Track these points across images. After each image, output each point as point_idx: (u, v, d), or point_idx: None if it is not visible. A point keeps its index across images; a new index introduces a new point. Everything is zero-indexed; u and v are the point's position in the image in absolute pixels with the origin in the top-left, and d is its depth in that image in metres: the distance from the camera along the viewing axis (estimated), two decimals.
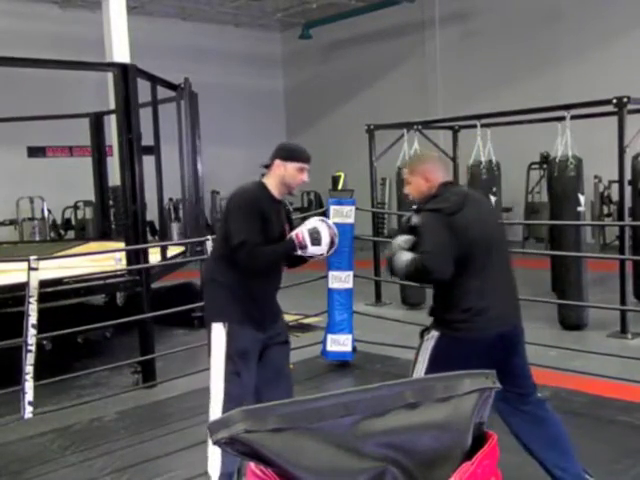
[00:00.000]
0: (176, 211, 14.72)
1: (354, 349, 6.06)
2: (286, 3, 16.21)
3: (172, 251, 7.47)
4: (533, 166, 13.29)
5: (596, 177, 12.25)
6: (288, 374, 3.54)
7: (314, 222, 3.34)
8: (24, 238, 13.41)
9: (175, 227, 14.20)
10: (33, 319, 4.35)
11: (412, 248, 3.16)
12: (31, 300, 4.34)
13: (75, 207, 14.73)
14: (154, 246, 7.29)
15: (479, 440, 1.64)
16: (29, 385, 4.35)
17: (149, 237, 10.06)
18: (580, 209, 7.03)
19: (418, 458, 1.56)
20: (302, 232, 3.27)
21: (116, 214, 9.07)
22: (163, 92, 7.41)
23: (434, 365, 3.05)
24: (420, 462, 1.56)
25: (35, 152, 15.26)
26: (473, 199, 3.23)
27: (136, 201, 5.88)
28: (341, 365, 6.06)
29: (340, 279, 5.99)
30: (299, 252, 3.25)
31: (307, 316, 7.02)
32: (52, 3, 15.01)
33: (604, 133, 7.67)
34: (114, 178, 8.60)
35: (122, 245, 6.31)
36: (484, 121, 7.95)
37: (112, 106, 7.13)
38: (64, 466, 4.25)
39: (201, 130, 8.08)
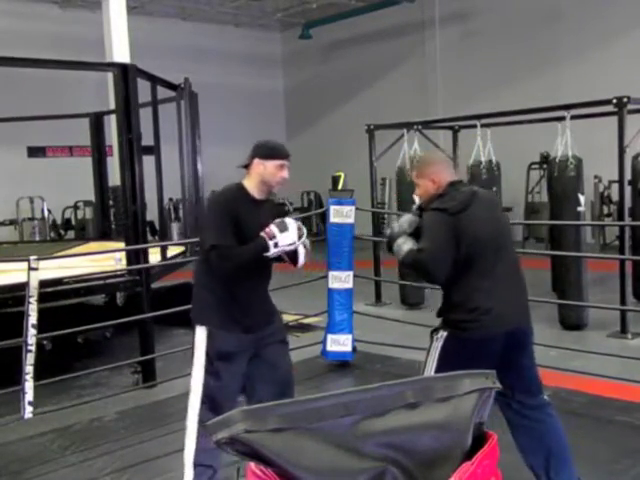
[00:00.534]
0: (176, 211, 14.72)
1: (354, 349, 6.06)
2: (286, 3, 16.21)
3: (172, 251, 7.47)
4: (533, 166, 13.29)
5: (596, 177, 12.25)
6: (286, 370, 3.50)
7: (285, 219, 3.33)
8: (24, 238, 13.41)
9: (175, 227, 14.20)
10: (33, 319, 4.34)
11: (415, 232, 3.20)
12: (31, 300, 4.34)
13: (75, 207, 14.74)
14: (154, 246, 7.28)
15: (479, 440, 1.64)
16: (29, 385, 4.35)
17: (149, 237, 10.06)
18: (580, 209, 7.03)
19: (418, 458, 1.56)
20: (269, 226, 3.24)
21: (116, 214, 9.06)
22: (163, 92, 7.41)
23: (443, 365, 3.04)
24: (420, 462, 1.56)
25: (35, 152, 15.27)
26: (481, 197, 3.21)
27: (136, 201, 5.87)
28: (341, 365, 6.06)
29: (340, 279, 5.98)
30: (271, 245, 3.17)
31: (307, 316, 7.02)
32: (52, 3, 15.01)
33: (604, 133, 7.66)
34: (114, 178, 8.60)
35: (122, 245, 6.31)
36: (484, 121, 7.95)
37: (112, 106, 7.13)
38: (64, 466, 4.25)
39: (201, 130, 8.08)
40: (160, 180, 7.15)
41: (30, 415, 4.41)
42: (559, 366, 5.25)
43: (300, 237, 3.25)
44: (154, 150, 7.00)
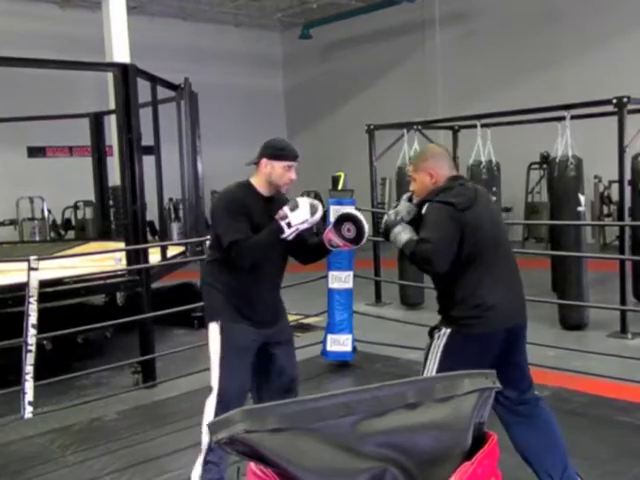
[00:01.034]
0: (176, 211, 14.72)
1: (354, 349, 6.06)
2: (286, 3, 16.21)
3: (172, 251, 7.47)
4: (533, 166, 13.29)
5: (596, 177, 12.26)
6: (291, 373, 3.50)
7: (297, 198, 3.30)
8: (24, 238, 13.41)
9: (175, 227, 14.20)
10: (33, 319, 4.34)
11: (413, 221, 3.20)
12: (31, 300, 4.34)
13: (75, 207, 14.73)
14: (154, 246, 7.29)
15: (479, 440, 1.64)
16: (29, 385, 4.35)
17: (149, 237, 10.06)
18: (580, 209, 7.03)
19: (418, 458, 1.56)
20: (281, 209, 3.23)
21: (116, 214, 9.06)
22: (163, 92, 7.41)
23: (446, 362, 3.03)
24: (420, 462, 1.56)
25: (35, 152, 15.26)
26: (482, 195, 3.22)
27: (136, 201, 5.87)
28: (341, 365, 6.06)
29: (340, 279, 5.98)
30: (284, 226, 3.15)
31: (307, 316, 7.02)
32: (52, 3, 15.01)
33: (604, 133, 7.67)
34: (114, 178, 8.60)
35: (122, 245, 6.31)
36: (484, 121, 7.95)
37: (112, 106, 7.13)
38: (64, 466, 4.25)
39: (201, 130, 8.08)
40: (160, 180, 7.16)
41: (30, 415, 4.41)
42: (559, 366, 5.25)
43: (313, 214, 3.20)
44: (154, 150, 7.00)
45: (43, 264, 4.61)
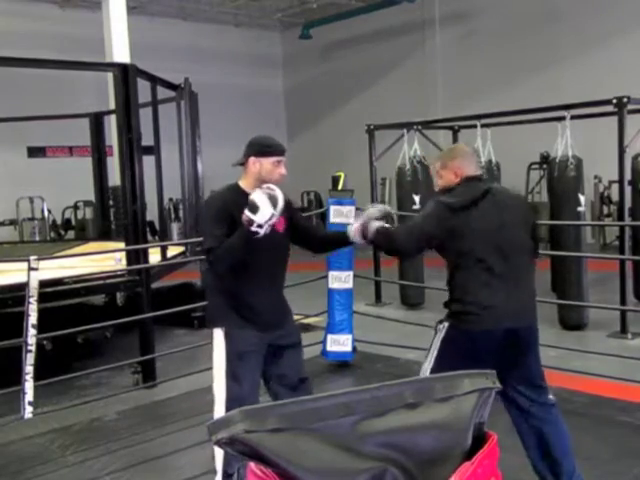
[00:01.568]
0: (176, 211, 14.72)
1: (354, 349, 6.06)
2: (286, 3, 16.22)
3: (172, 251, 7.47)
4: (533, 166, 13.29)
5: (596, 177, 12.26)
6: (299, 377, 3.43)
7: (251, 195, 3.06)
8: (24, 238, 13.41)
9: (175, 227, 14.20)
10: (33, 319, 4.34)
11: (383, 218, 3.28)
12: (31, 300, 4.34)
13: (75, 207, 14.74)
14: (154, 246, 7.29)
15: (479, 440, 1.64)
16: (29, 385, 4.34)
17: (149, 237, 10.06)
18: (580, 209, 7.03)
19: (418, 458, 1.56)
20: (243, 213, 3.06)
21: (116, 214, 9.07)
22: (163, 92, 7.41)
23: (442, 355, 3.08)
24: (420, 462, 1.56)
25: (35, 152, 15.27)
26: (497, 196, 3.22)
27: (136, 201, 5.87)
28: (341, 365, 6.06)
29: (340, 279, 5.98)
30: (254, 230, 2.99)
31: (307, 316, 7.01)
32: (52, 3, 15.02)
33: (604, 133, 7.66)
34: (114, 178, 8.60)
35: (122, 245, 6.31)
36: (484, 121, 7.95)
37: (112, 106, 7.13)
38: (64, 466, 4.25)
39: (201, 130, 8.08)
40: (160, 180, 7.16)
41: (30, 415, 4.41)
42: (559, 366, 5.24)
43: (275, 205, 3.01)
44: (154, 150, 7.00)
45: (43, 264, 4.61)
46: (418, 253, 3.40)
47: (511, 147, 10.54)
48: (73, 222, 14.97)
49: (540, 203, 12.74)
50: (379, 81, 16.76)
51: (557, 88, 12.64)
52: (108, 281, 5.93)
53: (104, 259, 6.59)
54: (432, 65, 15.78)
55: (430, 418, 1.58)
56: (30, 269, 4.36)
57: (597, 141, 9.28)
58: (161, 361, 5.96)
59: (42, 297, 4.47)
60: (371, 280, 8.42)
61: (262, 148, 3.22)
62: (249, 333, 3.24)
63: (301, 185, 16.08)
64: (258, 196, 3.01)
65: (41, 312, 4.40)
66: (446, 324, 3.16)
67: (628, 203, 7.14)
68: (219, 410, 3.26)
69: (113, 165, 8.62)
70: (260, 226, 2.99)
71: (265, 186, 3.07)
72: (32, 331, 4.34)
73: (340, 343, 5.98)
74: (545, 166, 11.69)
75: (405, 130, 8.68)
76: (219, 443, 1.46)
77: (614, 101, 6.61)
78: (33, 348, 4.35)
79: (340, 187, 6.28)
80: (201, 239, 3.38)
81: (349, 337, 6.01)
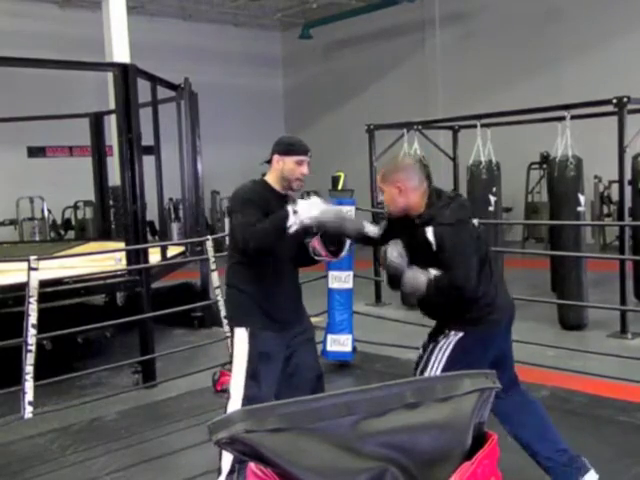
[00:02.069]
0: (176, 211, 14.71)
1: (354, 349, 6.06)
2: (286, 3, 16.21)
3: (172, 251, 7.47)
4: (533, 166, 13.29)
5: (596, 177, 12.25)
6: (317, 372, 3.48)
7: (314, 196, 3.29)
8: (24, 238, 13.41)
9: (175, 227, 14.19)
10: (33, 319, 4.34)
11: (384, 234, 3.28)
12: (31, 300, 4.34)
13: (75, 207, 14.73)
14: (154, 246, 7.29)
15: (479, 440, 1.65)
16: (29, 385, 4.34)
17: (149, 237, 10.06)
18: (580, 209, 7.03)
19: (418, 458, 1.56)
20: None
21: (116, 214, 9.07)
22: (163, 92, 7.41)
23: (454, 364, 3.03)
24: (420, 462, 1.56)
25: (35, 152, 15.26)
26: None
27: (136, 201, 5.88)
28: (341, 365, 6.06)
29: (340, 279, 5.98)
30: (290, 213, 3.08)
31: (308, 316, 7.01)
32: (52, 3, 15.01)
33: (604, 133, 7.67)
34: (114, 178, 8.60)
35: (122, 245, 6.31)
36: (484, 121, 7.95)
37: (112, 106, 7.13)
38: (64, 466, 4.25)
39: (201, 130, 8.08)
40: (160, 180, 7.16)
41: (30, 415, 4.40)
42: (559, 366, 5.25)
43: (324, 213, 3.13)
44: (154, 150, 7.00)
45: (43, 264, 4.61)
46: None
47: (511, 147, 10.54)
48: (73, 222, 14.96)
49: (540, 203, 12.76)
50: (379, 81, 16.75)
51: (557, 88, 12.64)
52: (108, 281, 5.93)
53: (104, 259, 6.59)
54: (432, 65, 15.78)
55: (430, 418, 1.58)
56: (30, 269, 4.36)
57: (597, 141, 9.28)
58: (161, 361, 5.96)
59: (42, 297, 4.47)
60: (371, 280, 8.42)
61: (286, 147, 3.35)
62: (271, 334, 3.30)
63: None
64: (317, 199, 3.20)
65: (41, 312, 4.40)
66: (459, 334, 3.11)
67: (628, 203, 7.14)
68: (233, 408, 3.27)
69: (113, 165, 8.62)
70: (295, 212, 3.09)
71: (339, 208, 3.30)
72: (32, 331, 4.34)
73: (340, 343, 5.98)
74: (545, 166, 11.69)
75: (405, 130, 8.67)
76: (219, 443, 1.46)
77: (614, 101, 6.61)
78: (33, 348, 4.35)
79: (340, 187, 6.28)
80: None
81: (349, 337, 6.01)
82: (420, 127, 8.92)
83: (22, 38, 13.28)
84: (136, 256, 5.90)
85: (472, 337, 3.12)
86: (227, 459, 3.26)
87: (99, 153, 9.21)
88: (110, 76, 7.24)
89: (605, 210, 12.65)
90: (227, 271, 3.47)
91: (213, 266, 5.49)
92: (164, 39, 15.78)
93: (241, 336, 3.31)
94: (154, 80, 6.98)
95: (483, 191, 7.56)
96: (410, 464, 1.54)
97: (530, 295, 7.16)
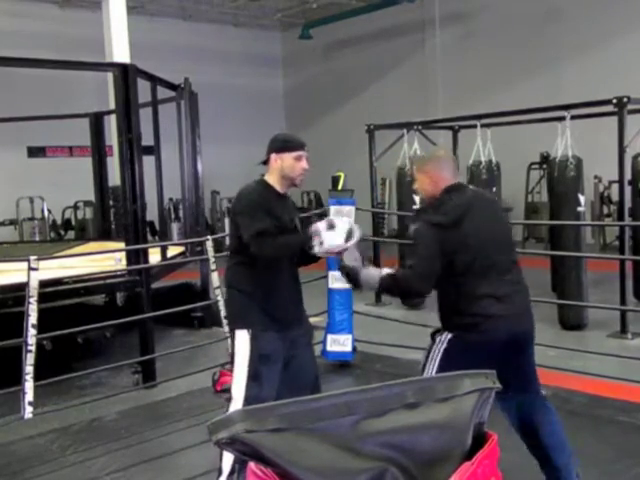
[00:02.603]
0: (176, 211, 14.71)
1: (354, 349, 6.06)
2: (286, 3, 16.21)
3: (172, 251, 7.47)
4: (533, 166, 13.29)
5: (596, 177, 12.25)
6: (315, 374, 3.48)
7: (331, 216, 3.28)
8: (24, 238, 13.41)
9: (175, 227, 14.19)
10: (33, 319, 4.34)
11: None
12: (31, 300, 4.34)
13: (75, 207, 14.73)
14: (154, 246, 7.29)
15: (479, 440, 1.65)
16: (29, 385, 4.34)
17: (149, 237, 10.06)
18: (580, 209, 7.03)
19: (418, 458, 1.56)
20: (319, 222, 3.17)
21: (116, 214, 9.07)
22: (163, 92, 7.41)
23: (444, 366, 3.03)
24: (420, 462, 1.56)
25: (35, 152, 15.26)
26: (482, 202, 3.23)
27: (136, 201, 5.87)
28: (341, 365, 6.06)
29: (340, 279, 5.97)
30: (316, 244, 3.07)
31: (308, 316, 7.01)
32: (52, 3, 15.02)
33: (604, 133, 7.66)
34: (114, 178, 8.60)
35: (122, 245, 6.31)
36: (484, 121, 7.95)
37: (112, 106, 7.13)
38: (64, 466, 4.24)
39: (201, 130, 8.08)
40: (160, 180, 7.16)
41: (30, 415, 4.40)
42: (559, 366, 5.25)
43: (348, 240, 3.09)
44: (154, 150, 7.00)
45: (43, 264, 4.61)
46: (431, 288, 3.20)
47: (511, 147, 10.54)
48: (73, 222, 14.96)
49: (540, 203, 12.76)
50: (379, 81, 16.75)
51: (557, 88, 12.65)
52: (108, 281, 5.93)
53: (104, 259, 6.59)
54: (432, 65, 15.78)
55: (430, 418, 1.58)
56: (30, 269, 4.36)
57: (597, 141, 9.28)
58: (161, 361, 5.96)
59: (42, 297, 4.47)
60: None
61: (282, 144, 3.30)
62: (273, 335, 3.28)
63: (301, 185, 16.08)
64: (342, 222, 3.13)
65: (41, 312, 4.40)
66: (448, 336, 3.11)
67: (628, 203, 7.14)
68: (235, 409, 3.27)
69: (113, 165, 8.63)
70: (322, 244, 3.07)
71: (349, 220, 3.21)
72: (32, 331, 4.34)
73: (340, 343, 5.98)
74: (545, 166, 11.69)
75: (405, 130, 8.68)
76: (219, 443, 1.46)
77: (614, 101, 6.61)
78: (33, 348, 4.35)
79: (340, 187, 6.29)
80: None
81: (349, 337, 6.01)
82: (420, 127, 8.92)
83: (22, 38, 13.28)
84: (136, 256, 5.90)
85: (458, 343, 3.09)
86: (227, 459, 3.26)
87: (99, 153, 9.21)
88: (110, 76, 7.24)
89: (605, 210, 12.65)
90: (227, 272, 3.45)
91: (213, 266, 5.49)
92: (164, 39, 15.78)
93: (242, 338, 3.30)
94: (154, 80, 6.98)
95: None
96: (410, 464, 1.54)
97: (530, 295, 7.15)
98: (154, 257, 6.54)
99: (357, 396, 1.54)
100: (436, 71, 15.66)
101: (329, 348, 5.99)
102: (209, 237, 5.58)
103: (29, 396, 4.35)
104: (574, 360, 5.57)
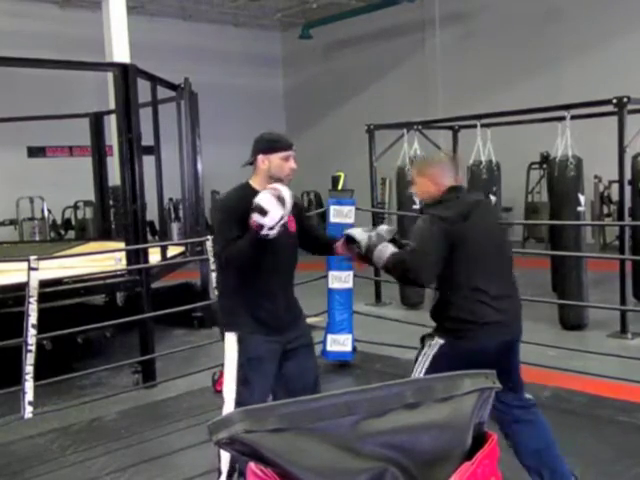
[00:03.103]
0: (176, 211, 14.72)
1: (354, 349, 6.06)
2: (286, 3, 16.21)
3: (172, 251, 7.47)
4: (533, 166, 13.29)
5: (596, 177, 12.26)
6: (314, 378, 3.41)
7: (257, 198, 2.96)
8: (24, 238, 13.41)
9: (175, 227, 14.20)
10: (33, 319, 4.34)
11: (394, 240, 3.20)
12: (31, 300, 4.34)
13: (75, 207, 14.73)
14: (154, 246, 7.29)
15: (479, 440, 1.64)
16: (29, 385, 4.34)
17: (149, 237, 10.06)
18: (580, 209, 7.03)
19: (418, 458, 1.56)
20: (251, 217, 2.97)
21: (116, 214, 9.07)
22: (163, 92, 7.41)
23: (431, 372, 3.02)
24: (420, 462, 1.56)
25: (35, 152, 15.27)
26: (482, 208, 3.22)
27: (136, 201, 5.88)
28: (341, 365, 6.06)
29: (340, 279, 5.98)
30: (265, 234, 2.93)
31: (307, 316, 7.00)
32: (52, 3, 15.02)
33: (604, 133, 7.66)
34: (114, 178, 8.60)
35: (122, 245, 6.31)
36: (484, 121, 7.95)
37: (112, 106, 7.14)
38: (64, 466, 4.25)
39: (201, 130, 8.08)
40: (160, 180, 7.16)
41: (30, 415, 4.41)
42: (559, 366, 5.25)
43: (284, 204, 2.93)
44: (154, 150, 7.00)
45: (43, 264, 4.60)
46: (435, 279, 3.15)
47: (511, 147, 10.54)
48: (73, 222, 14.96)
49: (540, 203, 12.76)
50: (379, 81, 16.75)
51: (557, 88, 12.65)
52: (108, 281, 5.93)
53: (104, 259, 6.59)
54: (432, 65, 15.78)
55: (430, 418, 1.58)
56: (30, 269, 4.36)
57: (597, 141, 9.28)
58: (161, 361, 5.96)
59: (42, 297, 4.46)
60: (371, 280, 8.41)
61: (269, 144, 3.18)
62: (262, 338, 3.20)
63: (301, 185, 16.08)
64: (265, 198, 2.93)
65: (41, 312, 4.40)
66: (440, 341, 3.11)
67: (628, 203, 7.14)
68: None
69: (113, 165, 8.62)
70: (271, 228, 2.93)
71: (270, 187, 3.00)
72: (32, 331, 4.34)
73: (340, 343, 5.98)
74: (545, 166, 11.69)
75: (405, 130, 8.68)
76: (219, 443, 1.46)
77: (614, 101, 6.61)
78: (33, 348, 4.35)
79: (340, 187, 6.29)
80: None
81: (349, 337, 6.01)
82: (420, 127, 8.92)
83: (22, 38, 13.28)
84: (136, 256, 5.90)
85: (450, 348, 3.08)
86: (225, 460, 3.25)
87: (99, 153, 9.22)
88: (110, 76, 7.24)
89: (605, 210, 12.65)
90: (217, 276, 3.42)
91: (213, 266, 5.49)
92: (164, 39, 15.79)
93: (230, 341, 3.24)
94: (154, 80, 6.98)
95: (483, 191, 7.55)
96: (410, 464, 1.54)
97: (530, 295, 7.13)
98: (154, 257, 6.54)
99: (357, 396, 1.54)
100: (436, 71, 15.66)
101: (329, 348, 5.99)
102: (209, 237, 5.57)
103: (29, 396, 4.35)
104: (574, 360, 5.57)
